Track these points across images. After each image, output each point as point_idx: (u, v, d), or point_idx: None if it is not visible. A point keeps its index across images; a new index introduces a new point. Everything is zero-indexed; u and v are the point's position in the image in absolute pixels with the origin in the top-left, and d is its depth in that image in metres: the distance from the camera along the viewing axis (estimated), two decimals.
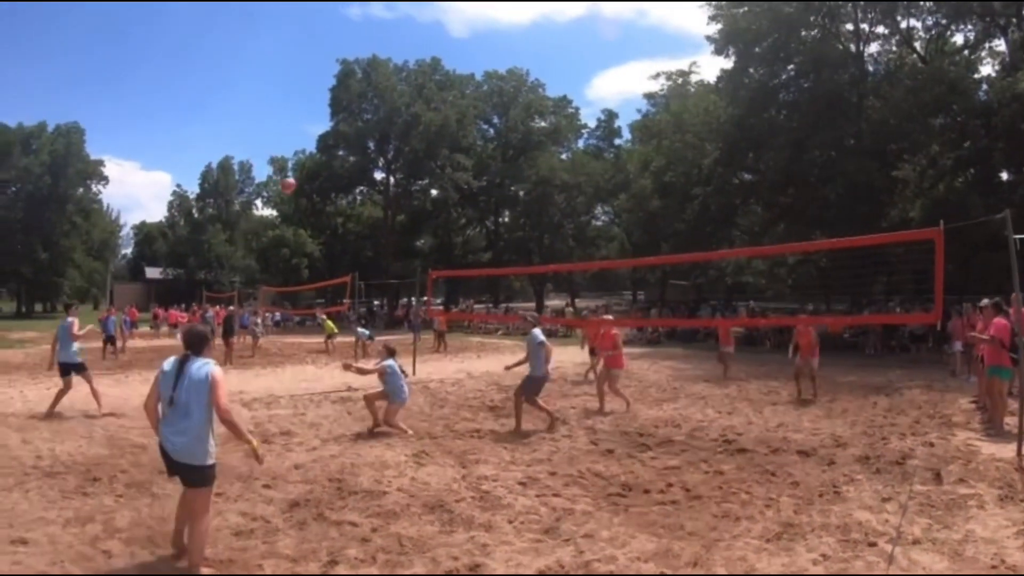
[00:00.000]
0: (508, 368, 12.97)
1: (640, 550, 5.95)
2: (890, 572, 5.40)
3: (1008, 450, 9.35)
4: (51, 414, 12.02)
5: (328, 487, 7.88)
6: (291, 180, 19.27)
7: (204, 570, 5.48)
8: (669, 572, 5.50)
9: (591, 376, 17.50)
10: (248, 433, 5.61)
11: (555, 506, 7.26)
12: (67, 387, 12.50)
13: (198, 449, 5.41)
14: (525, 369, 11.79)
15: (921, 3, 31.74)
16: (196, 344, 5.68)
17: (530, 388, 11.44)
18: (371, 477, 8.30)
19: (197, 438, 5.40)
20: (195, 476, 5.47)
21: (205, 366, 5.52)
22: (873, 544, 5.96)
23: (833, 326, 26.01)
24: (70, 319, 12.94)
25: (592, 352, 17.93)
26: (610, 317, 18.61)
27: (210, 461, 5.49)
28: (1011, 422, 10.34)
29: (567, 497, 7.59)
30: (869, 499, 7.32)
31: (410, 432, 10.94)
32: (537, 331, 12.05)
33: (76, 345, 12.67)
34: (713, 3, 34.75)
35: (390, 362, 11.31)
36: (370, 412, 11.20)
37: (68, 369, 12.54)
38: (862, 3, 32.01)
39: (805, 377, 14.95)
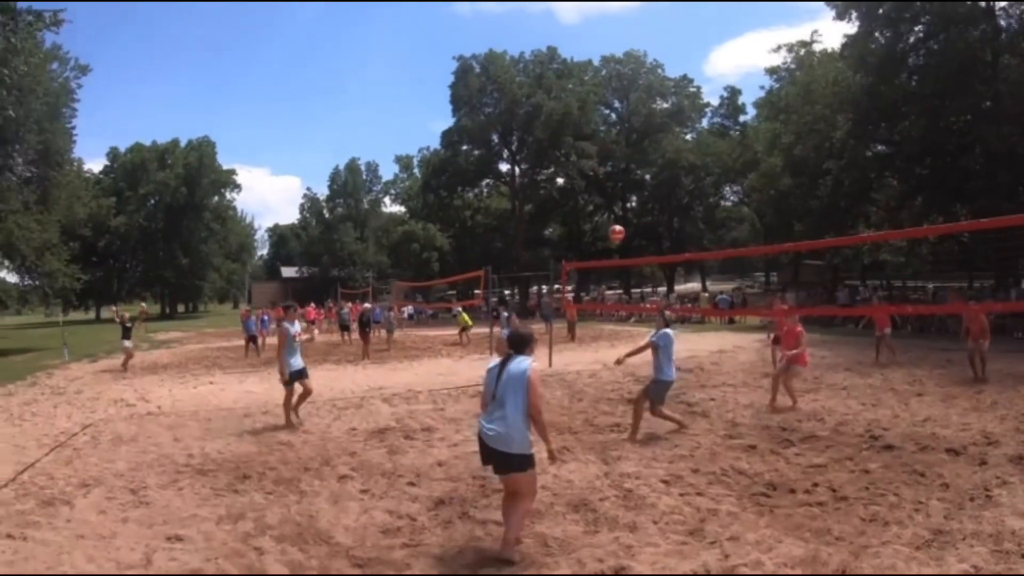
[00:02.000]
0: (619, 361, 11.07)
1: (787, 555, 5.81)
2: None
3: None
4: (289, 423, 11.48)
5: (472, 484, 7.95)
6: (618, 228, 19.89)
7: (515, 553, 5.83)
8: None
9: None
10: (550, 434, 5.98)
11: (699, 506, 7.16)
12: (291, 394, 11.74)
13: (512, 438, 5.70)
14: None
15: None
16: (518, 344, 6.09)
17: (658, 394, 10.45)
18: None
19: (513, 427, 5.70)
20: (508, 462, 5.79)
21: (523, 362, 5.90)
22: None
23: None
24: (293, 324, 11.99)
25: (776, 341, 16.83)
26: (786, 306, 17.66)
27: (525, 451, 5.77)
28: None
29: (711, 496, 7.47)
30: (1022, 504, 6.92)
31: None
32: (668, 331, 10.60)
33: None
34: None
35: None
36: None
37: (294, 376, 11.65)
38: None
39: (977, 359, 14.77)
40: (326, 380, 13.61)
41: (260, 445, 10.11)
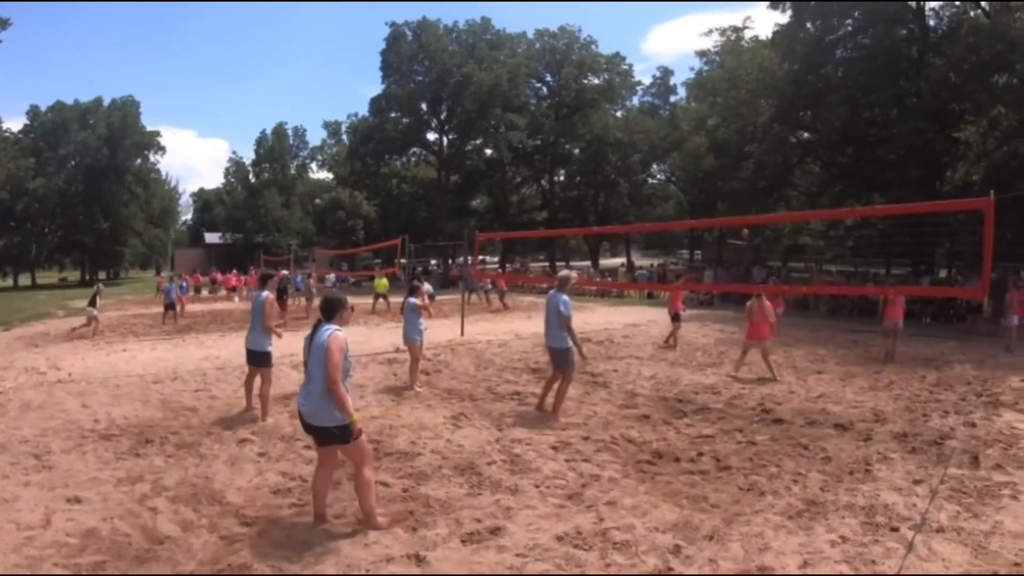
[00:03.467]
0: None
1: (660, 520, 6.03)
2: (906, 562, 5.33)
3: None
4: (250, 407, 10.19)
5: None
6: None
7: (380, 520, 5.80)
8: (684, 544, 5.57)
9: (671, 342, 17.75)
10: (350, 405, 5.65)
11: (583, 471, 7.39)
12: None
13: (324, 411, 5.59)
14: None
15: None
16: (327, 311, 5.94)
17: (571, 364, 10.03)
18: (408, 439, 8.53)
19: (321, 400, 5.60)
20: (327, 436, 5.69)
21: (327, 331, 5.75)
22: (895, 529, 5.89)
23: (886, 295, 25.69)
24: (265, 293, 10.39)
25: (675, 318, 18.13)
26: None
27: (340, 422, 5.60)
28: None
29: (596, 463, 7.71)
30: (900, 480, 7.21)
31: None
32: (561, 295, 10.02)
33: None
34: None
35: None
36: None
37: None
38: None
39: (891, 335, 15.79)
40: (238, 347, 13.51)
41: (166, 411, 10.06)
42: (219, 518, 6.04)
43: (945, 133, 29.60)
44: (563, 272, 11.23)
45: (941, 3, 32.40)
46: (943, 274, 35.29)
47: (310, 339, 5.83)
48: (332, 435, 5.65)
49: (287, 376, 12.85)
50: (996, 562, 5.36)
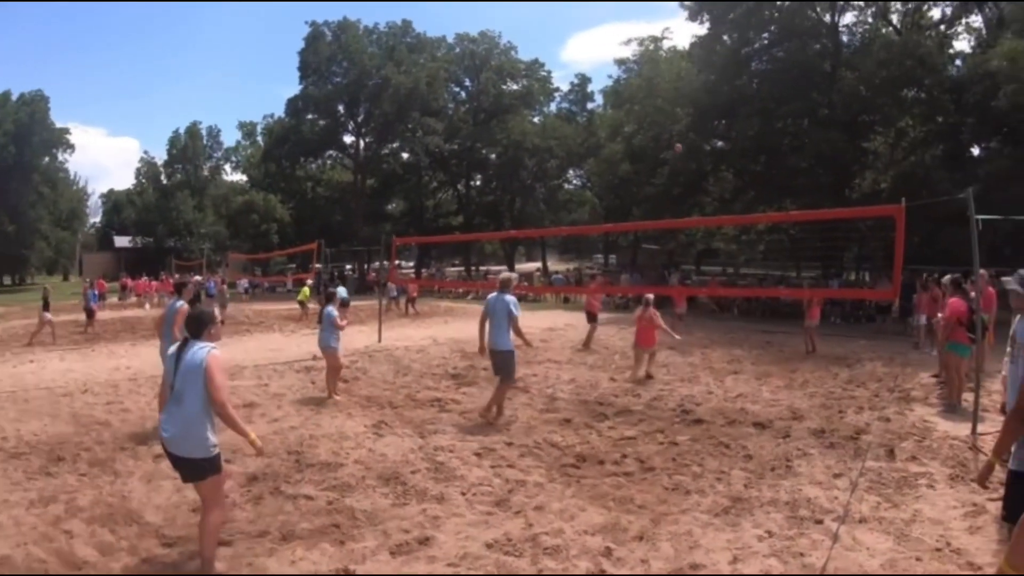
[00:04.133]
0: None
1: (588, 523, 6.06)
2: (832, 552, 5.46)
3: (963, 428, 9.39)
4: None
5: (287, 460, 7.94)
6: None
7: (218, 566, 5.32)
8: (614, 546, 5.59)
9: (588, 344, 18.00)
10: (245, 424, 5.30)
11: (508, 477, 7.38)
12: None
13: (193, 439, 5.07)
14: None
15: None
16: (194, 327, 5.36)
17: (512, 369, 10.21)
18: (329, 449, 8.39)
19: (191, 427, 5.07)
20: (191, 468, 5.17)
21: (201, 350, 5.19)
22: (820, 521, 6.06)
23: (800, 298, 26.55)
24: (180, 302, 9.99)
25: (591, 319, 18.58)
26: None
27: (209, 454, 5.11)
28: (970, 398, 10.38)
29: (521, 468, 7.71)
30: (820, 474, 7.43)
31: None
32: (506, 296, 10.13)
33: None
34: None
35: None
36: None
37: None
38: None
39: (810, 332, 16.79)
40: (151, 356, 13.13)
41: (77, 426, 9.66)
42: (138, 539, 5.81)
43: (855, 143, 30.57)
44: (504, 274, 11.32)
45: (854, 20, 33.77)
46: (852, 277, 36.43)
47: (177, 357, 5.23)
48: (195, 467, 5.13)
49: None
50: (919, 548, 5.57)
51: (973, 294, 10.19)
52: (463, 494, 6.83)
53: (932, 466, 7.76)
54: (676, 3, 48.02)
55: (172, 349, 5.40)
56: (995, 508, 6.17)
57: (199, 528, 5.31)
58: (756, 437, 9.03)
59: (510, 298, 9.98)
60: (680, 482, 7.19)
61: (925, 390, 12.55)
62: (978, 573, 5.19)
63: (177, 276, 14.55)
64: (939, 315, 12.89)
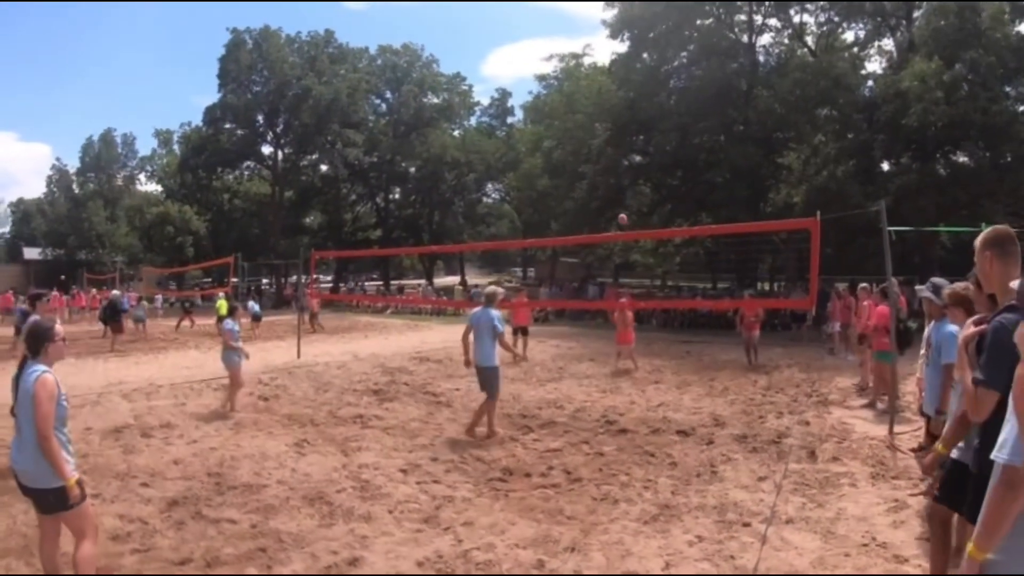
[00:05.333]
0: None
1: (519, 536, 5.99)
2: (763, 553, 5.52)
3: (880, 428, 9.70)
4: None
5: (207, 482, 7.66)
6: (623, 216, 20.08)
7: None
8: (546, 558, 5.54)
9: (521, 355, 17.85)
10: (66, 465, 4.64)
11: (435, 493, 7.26)
12: None
13: (40, 469, 4.63)
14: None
15: (815, 0, 33.01)
16: (31, 344, 4.87)
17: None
18: (251, 470, 8.13)
19: (33, 456, 4.62)
20: (44, 501, 4.73)
21: (34, 374, 4.70)
22: (748, 524, 6.12)
23: (715, 309, 27.02)
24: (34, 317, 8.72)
25: (523, 332, 18.84)
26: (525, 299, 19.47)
27: (58, 483, 4.61)
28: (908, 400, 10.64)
29: (448, 484, 7.60)
30: (745, 478, 7.52)
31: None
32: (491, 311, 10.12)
33: None
34: None
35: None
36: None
37: None
38: None
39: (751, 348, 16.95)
40: (62, 375, 12.66)
41: None
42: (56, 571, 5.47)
43: (770, 159, 31.53)
44: (490, 287, 11.32)
45: (771, 41, 35.05)
46: (766, 287, 37.30)
47: (16, 381, 4.81)
48: (54, 498, 4.65)
49: (116, 407, 12.09)
50: (845, 545, 5.69)
51: (903, 300, 10.48)
52: (390, 512, 6.69)
53: (853, 465, 7.96)
54: (598, 19, 48.72)
55: (15, 371, 4.93)
56: (916, 503, 6.38)
57: (73, 564, 4.78)
58: (680, 444, 9.11)
59: (495, 313, 9.96)
60: (608, 492, 7.17)
61: (842, 394, 12.95)
62: (903, 566, 5.30)
63: (27, 292, 13.59)
64: (854, 321, 13.27)
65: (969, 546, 2.59)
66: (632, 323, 16.52)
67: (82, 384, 14.48)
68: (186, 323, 29.25)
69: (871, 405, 11.41)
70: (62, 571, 4.92)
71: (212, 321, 27.53)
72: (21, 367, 4.84)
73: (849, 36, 34.61)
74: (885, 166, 28.77)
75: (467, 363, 10.32)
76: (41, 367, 4.76)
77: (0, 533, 6.23)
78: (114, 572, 5.40)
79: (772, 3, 33.08)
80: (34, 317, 8.26)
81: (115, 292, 27.88)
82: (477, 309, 10.27)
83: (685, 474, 7.75)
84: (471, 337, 10.10)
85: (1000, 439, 2.53)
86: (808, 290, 11.91)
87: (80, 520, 4.78)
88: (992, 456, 2.55)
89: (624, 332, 16.20)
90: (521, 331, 18.87)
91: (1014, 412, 2.48)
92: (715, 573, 5.23)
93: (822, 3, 32.85)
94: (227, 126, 55.75)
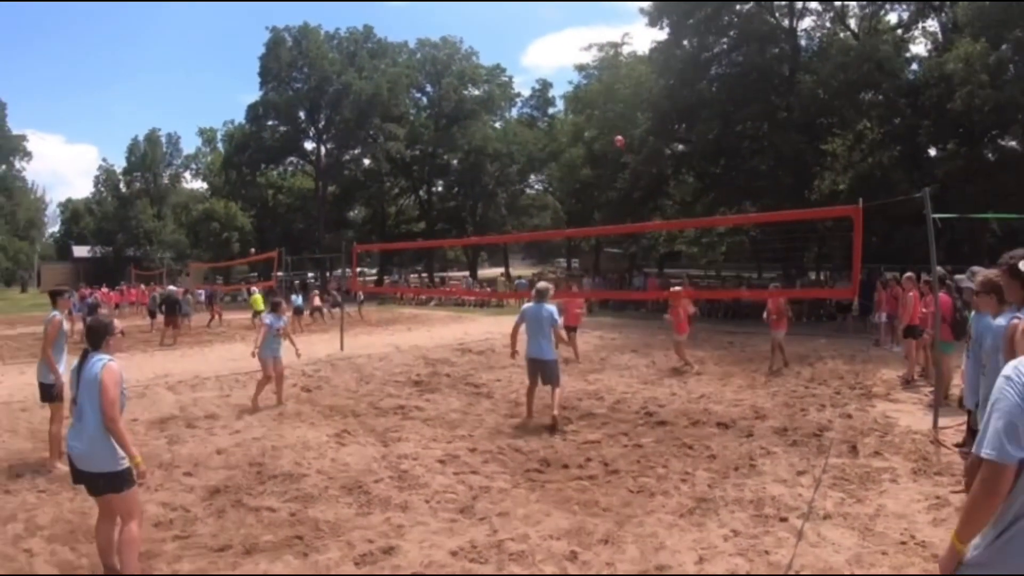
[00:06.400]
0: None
1: (554, 528, 6.00)
2: (798, 549, 5.47)
3: (925, 422, 9.50)
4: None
5: (248, 472, 7.80)
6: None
7: None
8: (580, 550, 5.54)
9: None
10: (133, 447, 5.00)
11: (472, 484, 7.30)
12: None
13: (99, 454, 4.94)
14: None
15: None
16: (93, 338, 5.21)
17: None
18: (291, 460, 8.24)
19: (95, 442, 4.93)
20: (96, 484, 5.01)
21: (98, 363, 5.04)
22: (784, 519, 6.06)
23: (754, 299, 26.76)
24: (54, 313, 8.59)
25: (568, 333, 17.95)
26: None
27: (118, 467, 4.94)
28: (955, 392, 10.31)
29: (485, 474, 7.64)
30: (784, 472, 7.45)
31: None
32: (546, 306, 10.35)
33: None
34: None
35: None
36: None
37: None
38: None
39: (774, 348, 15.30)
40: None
41: (35, 441, 9.38)
42: (100, 557, 5.54)
43: (814, 145, 30.94)
44: (541, 284, 11.26)
45: (812, 24, 34.25)
46: (812, 276, 36.85)
47: (78, 371, 5.14)
48: (105, 482, 4.96)
49: (162, 399, 12.34)
50: (883, 542, 5.58)
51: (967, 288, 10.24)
52: (427, 502, 6.75)
53: (895, 461, 7.83)
54: (636, 7, 48.33)
55: (75, 362, 5.25)
56: (958, 500, 6.25)
57: (117, 544, 5.09)
58: (720, 437, 9.05)
59: (551, 307, 10.24)
60: (645, 484, 7.15)
61: (886, 386, 12.70)
62: None
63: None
64: (900, 312, 13.05)
65: (952, 534, 2.61)
66: (688, 314, 15.47)
67: (129, 377, 14.51)
68: (215, 320, 29.34)
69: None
70: (113, 549, 5.15)
71: (247, 316, 27.89)
72: (83, 359, 5.15)
73: (892, 18, 33.77)
74: (932, 152, 28.25)
75: (512, 355, 10.75)
76: (106, 356, 5.14)
77: (48, 520, 6.41)
78: (155, 557, 5.55)
79: None
80: (54, 314, 8.55)
81: (172, 287, 28.28)
82: (529, 304, 10.41)
83: (723, 467, 7.70)
84: (522, 330, 10.33)
85: (979, 435, 2.54)
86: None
87: (128, 504, 5.03)
88: (972, 450, 2.56)
89: (679, 323, 15.34)
90: (571, 331, 18.45)
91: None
92: (748, 569, 5.19)
93: None
94: (269, 123, 56.47)
